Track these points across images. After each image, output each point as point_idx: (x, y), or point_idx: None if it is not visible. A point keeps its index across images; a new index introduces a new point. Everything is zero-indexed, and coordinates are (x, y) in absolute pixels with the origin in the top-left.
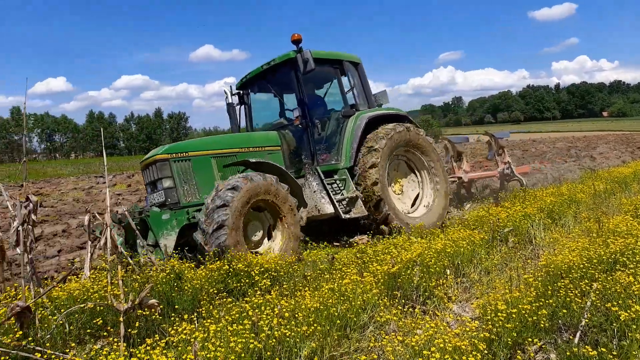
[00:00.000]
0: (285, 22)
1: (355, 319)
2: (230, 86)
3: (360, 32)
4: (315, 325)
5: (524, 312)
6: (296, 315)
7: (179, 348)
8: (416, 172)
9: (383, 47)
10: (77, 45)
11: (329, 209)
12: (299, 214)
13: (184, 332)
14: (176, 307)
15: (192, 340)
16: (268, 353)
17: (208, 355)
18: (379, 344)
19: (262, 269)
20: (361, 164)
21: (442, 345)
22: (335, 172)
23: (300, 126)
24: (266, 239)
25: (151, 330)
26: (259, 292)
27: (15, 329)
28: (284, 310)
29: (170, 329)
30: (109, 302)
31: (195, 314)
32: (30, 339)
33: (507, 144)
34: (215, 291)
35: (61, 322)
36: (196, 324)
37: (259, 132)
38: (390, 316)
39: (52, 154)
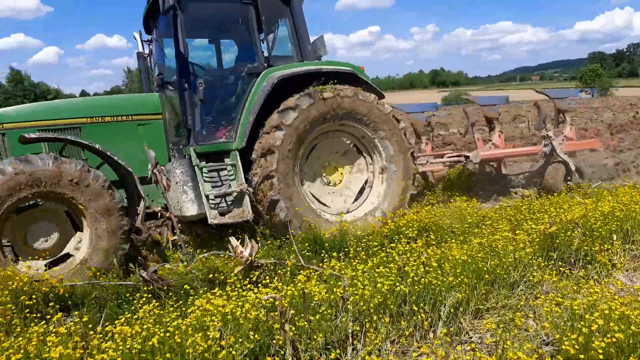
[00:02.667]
0: None
1: (505, 275)
2: (140, 31)
3: None
4: (462, 277)
5: None
6: (442, 266)
7: (330, 282)
8: (366, 154)
9: None
10: None
11: (191, 209)
12: (125, 219)
13: (334, 267)
14: (326, 244)
15: (342, 276)
16: (413, 297)
17: (356, 292)
18: (531, 303)
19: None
20: (257, 147)
21: (607, 311)
22: (228, 154)
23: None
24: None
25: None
26: (404, 240)
27: None
28: (431, 259)
29: (321, 264)
30: None
31: (342, 253)
32: None
33: (574, 108)
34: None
35: None
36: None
37: (127, 96)
38: (547, 277)
39: None
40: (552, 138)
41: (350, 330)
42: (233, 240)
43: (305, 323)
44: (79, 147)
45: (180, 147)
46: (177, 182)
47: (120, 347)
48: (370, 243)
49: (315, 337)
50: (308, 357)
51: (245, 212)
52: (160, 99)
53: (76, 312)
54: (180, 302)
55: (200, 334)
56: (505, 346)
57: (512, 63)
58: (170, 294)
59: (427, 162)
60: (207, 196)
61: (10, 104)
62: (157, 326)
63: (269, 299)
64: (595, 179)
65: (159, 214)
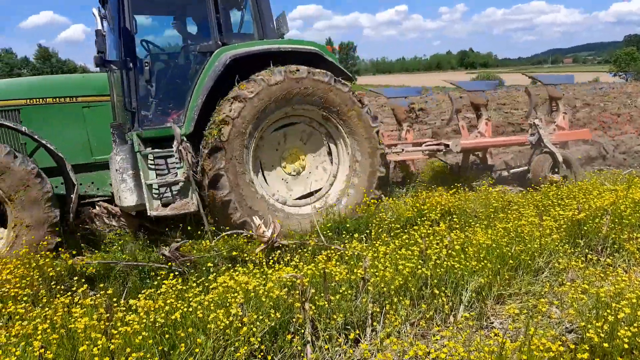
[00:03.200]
0: None
1: (529, 261)
2: (99, 7)
3: None
4: (485, 261)
5: None
6: (465, 250)
7: (351, 263)
8: (330, 139)
9: None
10: None
11: (129, 199)
12: (54, 210)
13: (355, 249)
14: (348, 225)
15: (363, 257)
16: (434, 281)
17: (377, 273)
18: (555, 290)
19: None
20: (203, 144)
21: (634, 300)
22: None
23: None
24: None
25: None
26: (427, 223)
27: None
28: (454, 242)
29: (342, 245)
30: None
31: (364, 235)
32: None
33: (567, 94)
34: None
35: None
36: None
37: (71, 76)
38: (574, 264)
39: None
40: (539, 126)
41: (370, 312)
42: (256, 219)
43: (325, 302)
44: (9, 130)
45: (123, 131)
46: (116, 170)
47: (144, 320)
48: (393, 225)
49: (335, 316)
50: (327, 336)
51: (189, 203)
52: (108, 79)
53: (101, 285)
54: (203, 278)
55: (222, 310)
56: (528, 332)
57: (544, 45)
58: (192, 270)
59: (403, 150)
60: (149, 185)
61: None
62: (180, 301)
63: (290, 278)
64: (581, 172)
65: (96, 204)
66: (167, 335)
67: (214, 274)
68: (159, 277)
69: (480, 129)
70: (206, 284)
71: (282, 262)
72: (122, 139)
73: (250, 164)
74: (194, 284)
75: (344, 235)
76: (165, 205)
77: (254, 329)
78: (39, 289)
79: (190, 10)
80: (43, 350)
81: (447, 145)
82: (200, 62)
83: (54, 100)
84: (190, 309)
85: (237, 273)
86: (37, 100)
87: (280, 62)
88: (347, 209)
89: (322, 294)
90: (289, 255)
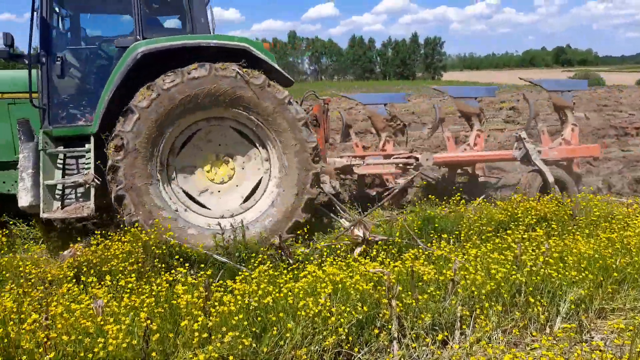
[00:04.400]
0: None
1: (636, 275)
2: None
3: None
4: (586, 272)
5: None
6: (564, 258)
7: (440, 264)
8: (261, 147)
9: None
10: None
11: (24, 199)
12: None
13: (444, 249)
14: (436, 225)
15: (453, 258)
16: (529, 288)
17: (467, 276)
18: None
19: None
20: (109, 145)
21: None
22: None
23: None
24: None
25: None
26: (522, 227)
27: None
28: (552, 250)
29: (429, 245)
30: None
31: (453, 236)
32: None
33: (576, 101)
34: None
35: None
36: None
37: None
38: None
39: (319, 76)
40: (525, 140)
41: (459, 314)
42: (344, 222)
43: (413, 301)
44: None
45: (30, 128)
46: (17, 168)
47: (239, 302)
48: (484, 228)
49: (422, 316)
50: (414, 335)
51: (83, 207)
52: (39, 75)
53: (202, 265)
54: (294, 265)
55: (311, 299)
56: (635, 349)
57: None
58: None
59: (364, 162)
60: (50, 186)
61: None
62: (271, 286)
63: (378, 273)
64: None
65: None
66: (259, 318)
67: (304, 263)
68: (253, 262)
69: (470, 141)
70: (296, 272)
71: (367, 257)
72: (29, 136)
73: (157, 165)
74: (285, 271)
75: (431, 235)
76: (64, 206)
77: (342, 320)
78: (144, 265)
79: (119, 5)
80: (149, 321)
81: (416, 159)
82: (117, 58)
83: None
84: (282, 295)
85: (325, 264)
86: None
87: (208, 59)
88: (260, 233)
89: (409, 292)
90: (375, 251)
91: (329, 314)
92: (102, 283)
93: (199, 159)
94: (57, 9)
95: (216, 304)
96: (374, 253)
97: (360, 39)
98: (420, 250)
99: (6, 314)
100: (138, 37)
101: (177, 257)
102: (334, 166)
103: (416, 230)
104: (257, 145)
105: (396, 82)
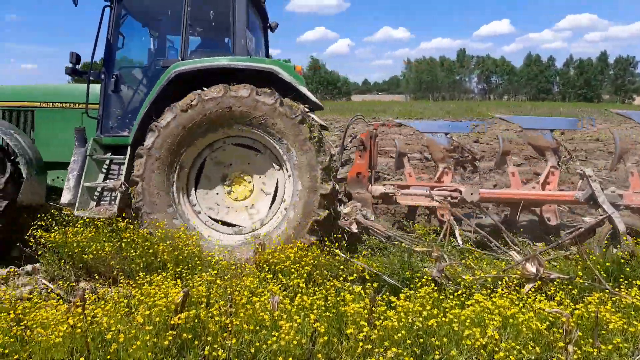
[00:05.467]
0: None
1: None
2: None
3: None
4: None
5: None
6: None
7: (631, 313)
8: (278, 167)
9: None
10: None
11: (65, 197)
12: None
13: (635, 297)
14: (627, 269)
15: None
16: None
17: None
18: None
19: None
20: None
21: None
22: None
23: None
24: None
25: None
26: None
27: None
28: None
29: (617, 289)
30: None
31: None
32: None
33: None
34: None
35: None
36: None
37: (75, 85)
38: None
39: (486, 95)
40: (592, 178)
41: None
42: (515, 254)
43: (594, 350)
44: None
45: (84, 135)
46: (68, 169)
47: (402, 320)
48: None
49: None
50: None
51: (108, 210)
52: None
53: (369, 277)
54: (459, 291)
55: (478, 329)
56: None
57: None
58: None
59: (400, 192)
60: (88, 187)
61: (309, 89)
62: (436, 310)
63: (555, 314)
64: None
65: None
66: (421, 340)
67: (472, 290)
68: (418, 282)
69: (541, 178)
70: (462, 299)
71: (541, 294)
72: (82, 142)
73: (174, 179)
74: (451, 296)
75: (620, 279)
76: (97, 205)
77: (511, 357)
78: (312, 270)
79: (169, 28)
80: (318, 324)
81: (461, 192)
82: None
83: (61, 105)
84: (446, 319)
85: (495, 295)
86: (47, 103)
87: (242, 80)
88: (275, 240)
89: (590, 340)
90: (552, 288)
91: (496, 348)
92: (274, 281)
93: (219, 176)
94: (121, 32)
95: (382, 317)
96: (552, 291)
97: (537, 57)
98: (607, 295)
99: (198, 297)
100: (182, 57)
101: (341, 267)
102: (374, 194)
103: (602, 274)
104: (274, 164)
105: (576, 104)
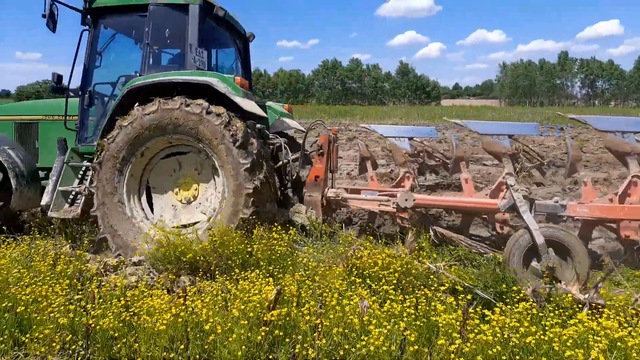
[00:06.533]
0: None
1: None
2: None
3: None
4: None
5: None
6: None
7: None
8: (214, 168)
9: None
10: None
11: (45, 199)
12: None
13: None
14: None
15: None
16: None
17: None
18: None
19: None
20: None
21: None
22: None
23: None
24: None
25: None
26: None
27: None
28: None
29: None
30: None
31: None
32: None
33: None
34: None
35: None
36: None
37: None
38: None
39: (590, 101)
40: (514, 188)
41: None
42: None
43: None
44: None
45: (64, 145)
46: (50, 175)
47: (497, 334)
48: None
49: None
50: None
51: (71, 211)
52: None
53: (460, 288)
54: (561, 310)
55: (581, 350)
56: None
57: None
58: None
59: (340, 196)
60: (62, 191)
61: (396, 93)
62: (534, 327)
63: None
64: None
65: None
66: (517, 357)
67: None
68: (515, 297)
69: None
70: (564, 317)
71: None
72: (62, 151)
73: (124, 187)
74: (551, 314)
75: None
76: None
77: None
78: (400, 278)
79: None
80: (408, 332)
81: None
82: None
83: (60, 117)
84: (546, 338)
85: (600, 316)
86: (49, 117)
87: (188, 92)
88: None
89: None
90: None
91: None
92: (362, 285)
93: (168, 182)
94: (99, 53)
95: (476, 330)
96: None
97: None
98: None
99: (289, 296)
100: (141, 73)
101: (432, 277)
102: (326, 197)
103: None
104: (213, 168)
105: None
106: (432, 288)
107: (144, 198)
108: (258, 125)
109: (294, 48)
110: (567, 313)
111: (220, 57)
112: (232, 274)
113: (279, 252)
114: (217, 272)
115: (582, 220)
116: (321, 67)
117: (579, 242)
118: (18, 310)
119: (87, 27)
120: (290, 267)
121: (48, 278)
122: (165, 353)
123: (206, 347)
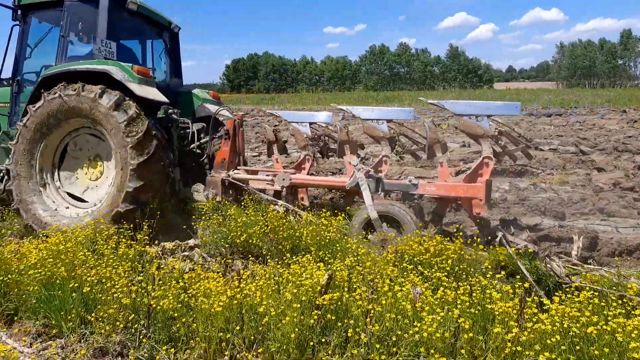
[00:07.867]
0: None
1: None
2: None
3: None
4: None
5: None
6: None
7: None
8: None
9: None
10: None
11: None
12: None
13: None
14: None
15: None
16: None
17: None
18: None
19: None
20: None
21: None
22: None
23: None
24: None
25: None
26: None
27: None
28: None
29: None
30: None
31: None
32: None
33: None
34: None
35: None
36: None
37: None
38: None
39: None
40: (357, 167)
41: None
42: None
43: None
44: None
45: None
46: None
47: (557, 324)
48: None
49: None
50: None
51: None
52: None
53: (517, 276)
54: (625, 299)
55: None
56: None
57: None
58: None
59: (230, 176)
60: None
61: (446, 78)
62: (596, 317)
63: None
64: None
65: None
66: (577, 347)
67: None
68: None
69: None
70: (628, 307)
71: None
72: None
73: (36, 164)
74: (614, 303)
75: None
76: None
77: None
78: (453, 264)
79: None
80: (462, 319)
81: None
82: None
83: (5, 104)
84: (608, 328)
85: None
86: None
87: (92, 80)
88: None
89: None
90: None
91: None
92: (414, 272)
93: (76, 161)
94: (28, 45)
95: (534, 319)
96: None
97: None
98: None
99: (341, 281)
100: (55, 63)
101: (486, 265)
102: (232, 177)
103: None
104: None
105: None
106: (488, 275)
107: (57, 176)
108: (165, 110)
109: (341, 34)
110: (631, 303)
111: (157, 47)
112: (284, 257)
113: (327, 237)
114: (268, 257)
115: (437, 199)
116: (368, 52)
117: (409, 217)
118: (84, 290)
119: (17, 22)
120: (340, 253)
121: (111, 260)
122: (221, 333)
123: (260, 328)
